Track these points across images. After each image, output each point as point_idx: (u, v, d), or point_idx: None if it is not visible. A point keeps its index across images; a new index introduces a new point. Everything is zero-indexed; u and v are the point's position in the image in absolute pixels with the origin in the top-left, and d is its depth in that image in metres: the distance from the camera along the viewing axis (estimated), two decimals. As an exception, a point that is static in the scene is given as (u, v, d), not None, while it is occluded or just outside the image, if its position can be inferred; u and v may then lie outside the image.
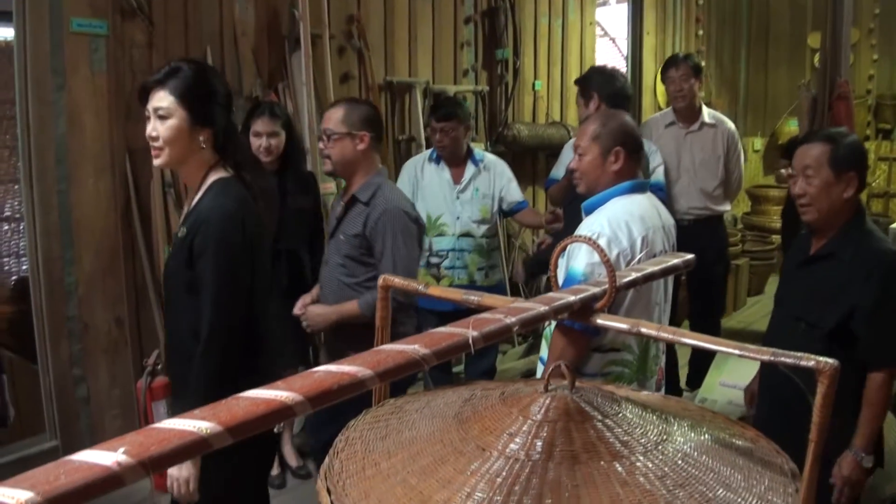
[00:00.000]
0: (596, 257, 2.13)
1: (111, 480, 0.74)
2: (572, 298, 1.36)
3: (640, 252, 2.19)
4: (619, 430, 1.36)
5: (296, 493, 3.46)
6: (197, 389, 1.94)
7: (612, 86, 3.42)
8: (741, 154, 4.26)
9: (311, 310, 2.78)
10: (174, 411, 2.08)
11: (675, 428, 1.45)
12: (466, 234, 3.77)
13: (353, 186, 2.69)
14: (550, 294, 1.40)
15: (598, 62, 6.59)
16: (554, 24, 5.81)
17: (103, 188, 3.21)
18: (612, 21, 6.98)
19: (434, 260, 3.78)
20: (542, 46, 5.75)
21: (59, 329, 3.15)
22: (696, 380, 4.31)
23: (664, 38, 7.40)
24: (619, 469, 1.27)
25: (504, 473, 1.26)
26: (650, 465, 1.29)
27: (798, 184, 2.27)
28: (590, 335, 2.21)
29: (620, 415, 1.41)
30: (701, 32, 7.88)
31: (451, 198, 3.81)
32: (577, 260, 2.14)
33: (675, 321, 3.93)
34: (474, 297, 1.56)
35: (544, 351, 2.37)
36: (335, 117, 2.69)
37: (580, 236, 1.45)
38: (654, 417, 1.47)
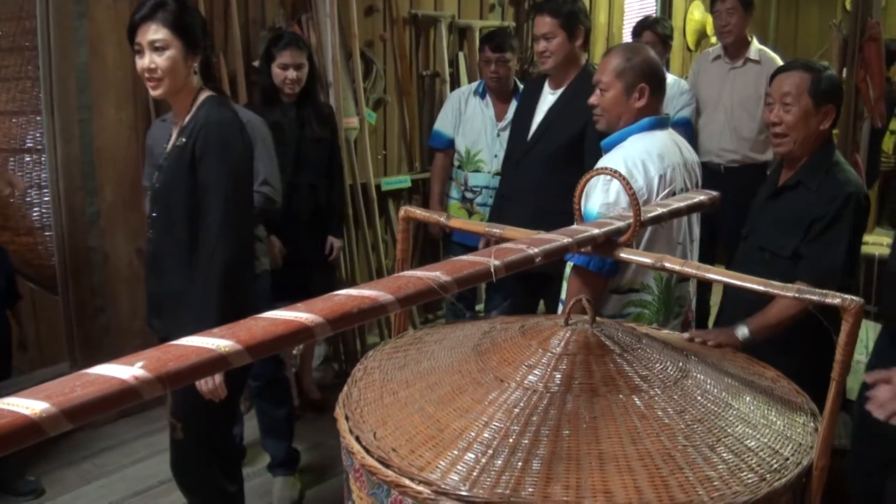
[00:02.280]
0: (610, 198, 2.09)
1: (127, 394, 0.74)
2: (596, 231, 1.34)
3: (658, 191, 2.14)
4: (639, 364, 1.35)
5: (314, 424, 3.51)
6: (212, 279, 1.98)
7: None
8: None
9: None
10: (173, 319, 2.08)
11: (695, 365, 1.44)
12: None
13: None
14: (574, 226, 1.38)
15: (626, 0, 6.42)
16: (583, -42, 5.66)
17: (125, 118, 3.15)
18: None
19: (469, 195, 3.73)
20: (571, -19, 5.61)
21: (80, 259, 3.12)
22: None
23: (695, -24, 7.18)
24: (638, 403, 1.26)
25: (522, 404, 1.26)
26: (669, 400, 1.28)
27: (774, 111, 2.22)
28: (605, 276, 2.18)
29: (640, 350, 1.40)
30: (732, -29, 7.63)
31: (492, 135, 3.66)
32: (591, 201, 2.10)
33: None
34: (497, 230, 1.54)
35: (564, 292, 2.35)
36: None
37: (604, 168, 1.42)
38: (675, 354, 1.46)
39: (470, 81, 4.60)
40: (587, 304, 1.42)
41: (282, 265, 3.09)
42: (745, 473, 1.15)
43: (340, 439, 1.35)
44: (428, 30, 4.53)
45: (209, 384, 1.96)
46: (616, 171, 1.37)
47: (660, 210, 1.49)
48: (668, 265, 1.33)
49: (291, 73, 3.02)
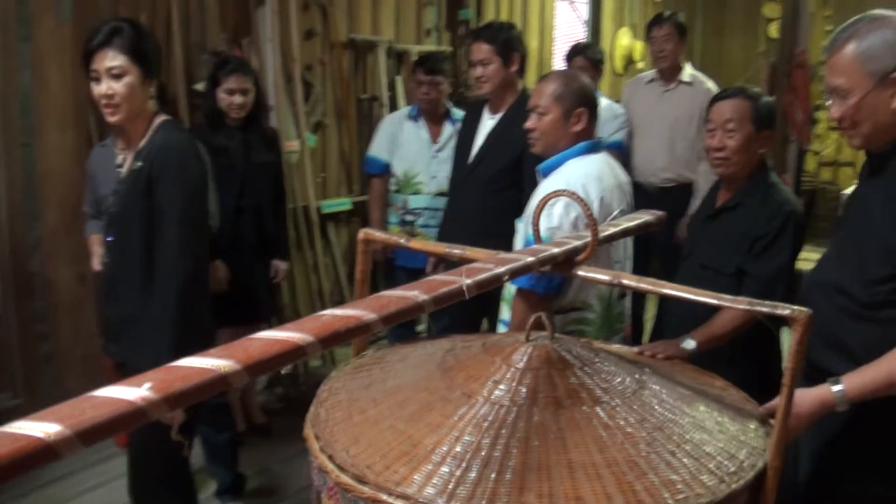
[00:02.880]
0: (553, 222, 2.14)
1: (136, 415, 0.75)
2: (556, 250, 1.39)
3: (598, 213, 2.20)
4: (598, 377, 1.41)
5: (260, 449, 3.47)
6: (168, 301, 2.00)
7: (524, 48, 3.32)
8: None
9: None
10: (136, 343, 2.06)
11: (650, 376, 1.51)
12: (441, 194, 3.68)
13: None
14: (535, 246, 1.43)
15: (558, 25, 6.60)
16: (516, -16, 5.82)
17: (68, 142, 3.12)
18: (571, -16, 6.97)
19: (409, 218, 3.78)
20: (504, 8, 5.73)
21: (22, 285, 3.07)
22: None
23: (622, 4, 7.44)
24: (601, 413, 1.32)
25: (490, 418, 1.30)
26: (630, 410, 1.34)
27: (717, 137, 2.28)
28: (551, 297, 2.22)
29: (598, 363, 1.46)
30: (659, 0, 7.94)
31: (429, 157, 3.75)
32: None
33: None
34: (457, 250, 1.58)
35: (505, 313, 2.39)
36: None
37: (562, 191, 1.49)
38: (630, 366, 1.53)
39: (408, 105, 4.67)
40: (546, 320, 1.48)
41: (226, 289, 3.08)
42: (705, 476, 1.21)
43: (311, 459, 1.36)
44: (366, 54, 4.58)
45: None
46: (574, 193, 1.43)
47: (613, 230, 1.56)
48: (625, 282, 1.39)
49: (237, 98, 3.03)
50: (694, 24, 8.45)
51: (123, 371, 2.13)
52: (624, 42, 7.43)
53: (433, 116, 3.78)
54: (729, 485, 1.20)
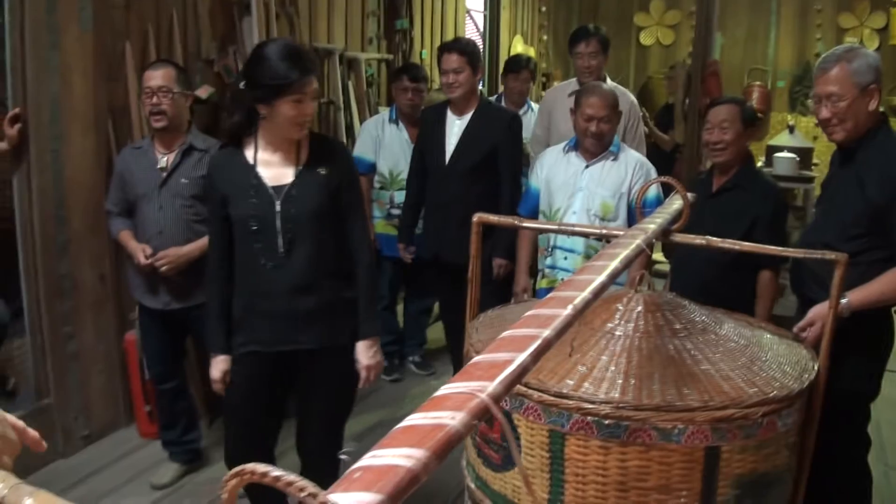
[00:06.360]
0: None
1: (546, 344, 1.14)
2: (663, 221, 1.86)
3: None
4: (693, 316, 1.90)
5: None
6: (368, 284, 2.42)
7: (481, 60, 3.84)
8: (638, 123, 4.31)
9: (173, 251, 2.95)
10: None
11: (720, 315, 2.03)
12: None
13: (182, 137, 2.99)
14: (647, 219, 1.90)
15: (467, 34, 7.11)
16: (436, -2, 6.30)
17: (89, 147, 3.24)
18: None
19: (395, 211, 4.13)
20: (427, 18, 6.20)
21: (52, 287, 3.16)
22: None
23: (516, 13, 8.07)
24: (712, 338, 1.81)
25: (637, 344, 1.75)
26: (724, 337, 1.84)
27: (714, 133, 2.83)
28: None
29: (687, 307, 1.95)
30: (544, 9, 8.65)
31: (410, 155, 4.01)
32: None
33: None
34: (589, 229, 2.03)
35: (566, 262, 2.98)
36: (170, 76, 2.92)
37: (661, 177, 1.98)
38: (702, 309, 2.03)
39: (358, 109, 5.05)
40: (647, 275, 1.97)
41: None
42: (788, 377, 1.72)
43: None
44: (323, 61, 4.89)
45: (373, 375, 2.45)
46: (677, 181, 1.92)
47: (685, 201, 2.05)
48: (716, 243, 1.89)
49: None
50: (569, 31, 9.21)
51: (312, 356, 2.41)
52: (518, 48, 8.06)
53: (412, 119, 4.18)
54: (805, 380, 1.72)
